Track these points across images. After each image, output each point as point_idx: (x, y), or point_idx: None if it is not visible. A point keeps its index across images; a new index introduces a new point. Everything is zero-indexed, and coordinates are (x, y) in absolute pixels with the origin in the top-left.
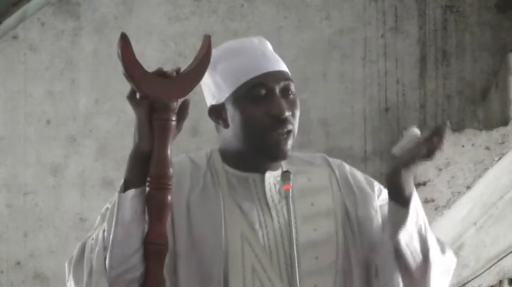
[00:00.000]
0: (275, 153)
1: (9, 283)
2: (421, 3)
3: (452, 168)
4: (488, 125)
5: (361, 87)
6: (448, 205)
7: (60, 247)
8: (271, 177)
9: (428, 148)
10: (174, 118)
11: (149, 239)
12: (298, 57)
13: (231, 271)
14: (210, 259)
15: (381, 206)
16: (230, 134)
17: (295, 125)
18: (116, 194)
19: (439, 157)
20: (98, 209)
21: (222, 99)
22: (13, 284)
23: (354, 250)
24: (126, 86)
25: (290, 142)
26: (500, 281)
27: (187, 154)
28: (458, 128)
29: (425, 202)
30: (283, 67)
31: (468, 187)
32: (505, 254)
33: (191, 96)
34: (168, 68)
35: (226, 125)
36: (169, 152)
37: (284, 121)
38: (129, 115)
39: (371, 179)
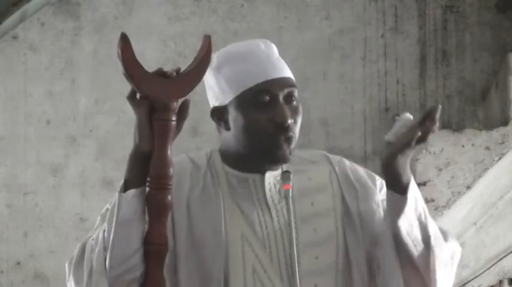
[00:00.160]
0: (276, 158)
1: (9, 283)
2: (421, 3)
3: (452, 168)
4: (488, 125)
5: (361, 87)
6: (448, 205)
7: (60, 247)
8: (271, 177)
9: (422, 131)
10: (174, 118)
11: (149, 239)
12: (298, 57)
13: (231, 272)
14: (210, 259)
15: (382, 200)
16: (231, 137)
17: (296, 131)
18: (116, 194)
19: (439, 157)
20: (98, 209)
21: (225, 102)
22: (13, 284)
23: (354, 249)
24: (126, 86)
25: (291, 147)
26: (500, 281)
27: (187, 154)
28: (458, 128)
29: (426, 202)
30: (287, 73)
31: (468, 187)
32: (505, 254)
33: (191, 96)
34: (168, 68)
35: (228, 128)
36: (169, 152)
37: (286, 128)
38: (129, 115)
39: (373, 173)
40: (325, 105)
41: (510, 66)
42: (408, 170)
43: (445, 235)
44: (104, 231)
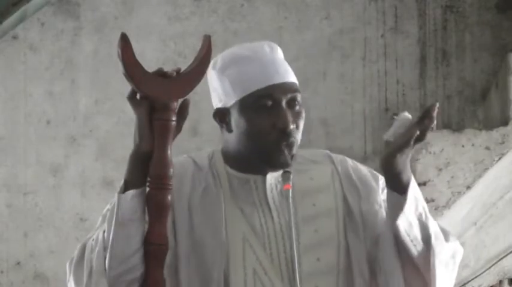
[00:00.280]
0: (276, 163)
1: (9, 283)
2: (421, 3)
3: (452, 168)
4: (488, 125)
5: (361, 87)
6: (448, 205)
7: (60, 247)
8: (273, 178)
9: (420, 130)
10: (174, 118)
11: (149, 240)
12: (298, 57)
13: (232, 273)
14: (211, 260)
15: (384, 200)
16: (233, 139)
17: (298, 136)
18: (116, 195)
19: (439, 157)
20: (98, 209)
21: (228, 105)
22: (13, 284)
23: (356, 250)
24: (126, 86)
25: (292, 152)
26: (500, 281)
27: (189, 154)
28: (458, 128)
29: (426, 202)
30: (291, 78)
31: (468, 187)
32: (505, 254)
33: (191, 96)
34: (168, 68)
35: (230, 130)
36: (169, 152)
37: (288, 134)
38: (129, 115)
39: (376, 173)
40: (325, 105)
41: (510, 66)
42: (408, 170)
43: (446, 235)
44: (104, 231)
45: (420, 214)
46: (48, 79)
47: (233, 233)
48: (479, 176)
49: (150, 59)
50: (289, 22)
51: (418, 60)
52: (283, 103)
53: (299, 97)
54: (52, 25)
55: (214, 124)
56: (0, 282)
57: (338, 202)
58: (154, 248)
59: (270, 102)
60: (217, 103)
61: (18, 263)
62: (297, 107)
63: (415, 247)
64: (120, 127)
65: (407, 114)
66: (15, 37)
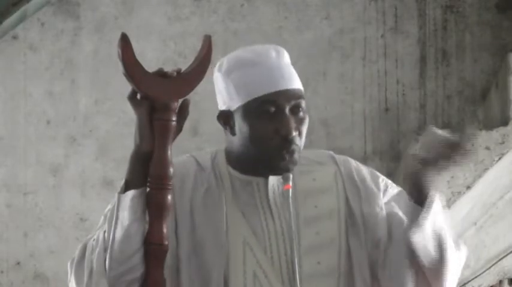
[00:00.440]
0: (278, 168)
1: (9, 283)
2: (421, 3)
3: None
4: (488, 125)
5: (361, 87)
6: (448, 205)
7: (60, 247)
8: (275, 180)
9: (453, 153)
10: (174, 118)
11: (149, 240)
12: (298, 57)
13: (232, 276)
14: (211, 262)
15: (386, 203)
16: (236, 142)
17: (301, 142)
18: (116, 195)
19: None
20: (98, 209)
21: (232, 108)
22: (13, 284)
23: (357, 252)
24: (126, 86)
25: (294, 158)
26: (500, 281)
27: (191, 154)
28: (458, 128)
29: None
30: (296, 84)
31: (468, 187)
32: (505, 254)
33: (191, 96)
34: (168, 68)
35: (233, 133)
36: (169, 152)
37: (290, 141)
38: (129, 115)
39: (376, 173)
40: (325, 105)
41: (510, 66)
42: (434, 186)
43: (457, 244)
44: (105, 232)
45: (438, 228)
46: (48, 79)
47: (234, 236)
48: (479, 176)
49: (150, 59)
50: (289, 22)
51: (418, 60)
52: (287, 110)
53: (303, 103)
54: (52, 25)
55: (215, 124)
56: (0, 282)
57: (340, 204)
58: (154, 248)
59: (273, 109)
60: (221, 105)
61: (18, 263)
62: (301, 114)
63: (429, 259)
64: (120, 127)
65: (437, 130)
66: (15, 37)
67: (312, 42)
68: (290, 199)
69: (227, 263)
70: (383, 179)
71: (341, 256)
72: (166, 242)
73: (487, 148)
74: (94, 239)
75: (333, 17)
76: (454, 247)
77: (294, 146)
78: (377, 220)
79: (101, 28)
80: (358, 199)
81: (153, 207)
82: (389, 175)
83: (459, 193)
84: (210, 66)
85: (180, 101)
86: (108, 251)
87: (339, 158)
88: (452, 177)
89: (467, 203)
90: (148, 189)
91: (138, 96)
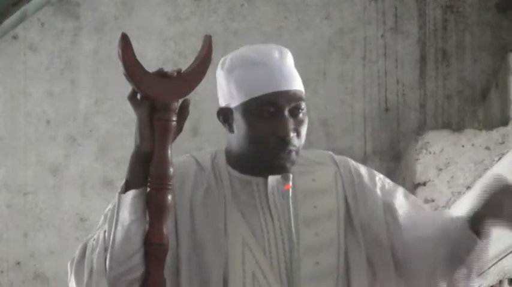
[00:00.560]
0: (274, 169)
1: (9, 283)
2: (421, 3)
3: (452, 168)
4: (488, 125)
5: (361, 87)
6: (448, 205)
7: (60, 247)
8: (274, 180)
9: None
10: (174, 118)
11: (149, 240)
12: (298, 57)
13: (230, 277)
14: (210, 263)
15: (385, 203)
16: (234, 140)
17: (299, 143)
18: (117, 195)
19: (439, 157)
20: (98, 209)
21: (232, 106)
22: (13, 284)
23: (355, 252)
24: (126, 86)
25: (291, 159)
26: (500, 281)
27: (191, 154)
28: (458, 128)
29: (426, 202)
30: (297, 86)
31: (468, 187)
32: (505, 254)
33: (191, 96)
34: (168, 68)
35: (232, 130)
36: (169, 152)
37: (288, 142)
38: (129, 115)
39: (374, 172)
40: (325, 105)
41: (510, 66)
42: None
43: None
44: (105, 231)
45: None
46: (48, 79)
47: (233, 237)
48: (479, 176)
49: (150, 59)
50: (289, 22)
51: (418, 60)
52: (286, 111)
53: (303, 105)
54: (52, 25)
55: (215, 124)
56: (0, 282)
57: (340, 204)
58: (154, 248)
59: (272, 109)
60: (222, 102)
61: (18, 263)
62: (300, 115)
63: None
64: (120, 127)
65: (503, 177)
66: (15, 37)
67: (312, 42)
68: (290, 199)
69: (226, 264)
70: (380, 178)
71: (340, 256)
72: (166, 242)
73: (487, 148)
74: (94, 239)
75: (333, 17)
76: None
77: (291, 147)
78: (375, 221)
79: (101, 28)
80: (355, 199)
81: (153, 207)
82: (389, 175)
83: (459, 193)
84: (210, 67)
85: (180, 101)
86: (109, 251)
87: (339, 158)
88: (452, 177)
89: (467, 203)
90: (148, 189)
91: (138, 96)
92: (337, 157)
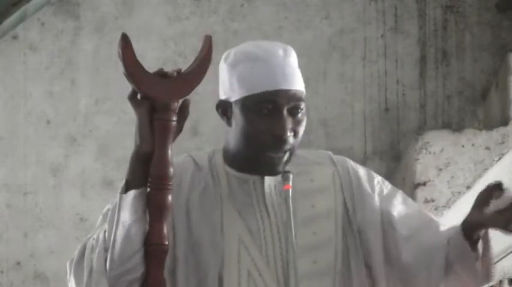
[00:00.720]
0: (266, 170)
1: (9, 283)
2: (421, 3)
3: (452, 168)
4: (488, 125)
5: (361, 87)
6: (448, 205)
7: (60, 247)
8: (271, 179)
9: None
10: (174, 118)
11: (149, 240)
12: (299, 57)
13: (226, 275)
14: (206, 261)
15: (381, 204)
16: (231, 135)
17: (295, 144)
18: (118, 195)
19: (439, 157)
20: (98, 209)
21: (232, 100)
22: (13, 284)
23: (353, 252)
24: (126, 86)
25: (285, 160)
26: (500, 281)
27: (189, 153)
28: (458, 128)
29: (426, 202)
30: (298, 86)
31: (468, 187)
32: (505, 254)
33: (191, 96)
34: (168, 68)
35: (229, 124)
36: (169, 152)
37: (284, 141)
38: (129, 115)
39: (372, 174)
40: (325, 105)
41: (510, 66)
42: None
43: None
44: (105, 231)
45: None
46: (48, 79)
47: (229, 235)
48: (479, 176)
49: (150, 59)
50: (289, 22)
51: (418, 60)
52: (285, 110)
53: (302, 105)
54: (52, 25)
55: (215, 124)
56: (0, 282)
57: (338, 204)
58: (154, 248)
59: (271, 107)
60: (222, 95)
61: (18, 263)
62: (299, 115)
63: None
64: (120, 127)
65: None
66: (15, 37)
67: (312, 42)
68: (290, 199)
69: (222, 263)
70: (378, 181)
71: (337, 255)
72: (166, 242)
73: (487, 148)
74: (94, 239)
75: (333, 17)
76: None
77: (286, 146)
78: (370, 225)
79: (101, 28)
80: (353, 202)
81: (154, 207)
82: (389, 175)
83: (459, 193)
84: (210, 67)
85: (180, 101)
86: (109, 251)
87: (337, 158)
88: (452, 177)
89: (467, 203)
90: (148, 189)
91: (139, 96)
92: (335, 157)
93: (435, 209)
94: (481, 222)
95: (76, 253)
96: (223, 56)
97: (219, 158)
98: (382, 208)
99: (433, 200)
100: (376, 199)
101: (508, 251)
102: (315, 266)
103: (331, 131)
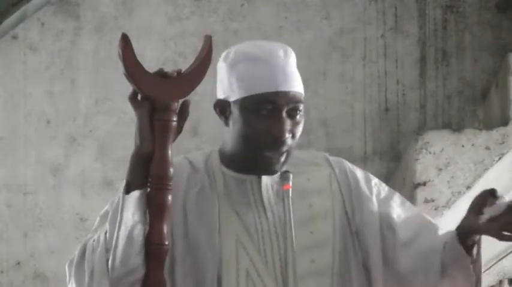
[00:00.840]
0: (264, 170)
1: (9, 283)
2: (421, 3)
3: (452, 168)
4: (488, 125)
5: (361, 87)
6: (448, 205)
7: (60, 247)
8: (269, 179)
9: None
10: (174, 119)
11: (150, 240)
12: (298, 57)
13: (224, 276)
14: (204, 263)
15: (378, 206)
16: (229, 135)
17: (293, 145)
18: (120, 195)
19: (439, 157)
20: (98, 209)
21: (230, 99)
22: (13, 284)
23: (351, 251)
24: (126, 86)
25: (282, 160)
26: (500, 281)
27: (185, 155)
28: (458, 128)
29: (426, 202)
30: (297, 87)
31: (468, 187)
32: (505, 254)
33: (191, 96)
34: (168, 68)
35: (227, 124)
36: (169, 152)
37: (282, 143)
38: (129, 115)
39: (370, 177)
40: (325, 105)
41: (510, 66)
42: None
43: None
44: (106, 232)
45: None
46: (48, 79)
47: (227, 235)
48: (479, 176)
49: (150, 59)
50: (289, 22)
51: (418, 60)
52: (284, 112)
53: (301, 107)
54: (52, 25)
55: (215, 124)
56: (0, 282)
57: (335, 205)
58: (154, 249)
59: (270, 108)
60: (220, 94)
61: (18, 263)
62: (297, 117)
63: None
64: (120, 127)
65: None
66: (15, 37)
67: (312, 42)
68: (290, 199)
69: (220, 263)
70: (375, 183)
71: (335, 255)
72: (166, 243)
73: (487, 148)
74: (94, 240)
75: (333, 17)
76: None
77: (284, 147)
78: (369, 227)
79: (101, 28)
80: (352, 204)
81: (154, 207)
82: (389, 175)
83: (459, 193)
84: (210, 67)
85: (181, 101)
86: (111, 251)
87: (333, 160)
88: (452, 177)
89: (467, 203)
90: (148, 189)
91: (139, 96)
92: (331, 158)
93: (435, 209)
94: (475, 228)
95: (76, 254)
96: (222, 55)
97: (215, 159)
98: (380, 210)
99: (433, 200)
100: (374, 201)
101: (508, 251)
102: (313, 266)
103: (331, 131)
